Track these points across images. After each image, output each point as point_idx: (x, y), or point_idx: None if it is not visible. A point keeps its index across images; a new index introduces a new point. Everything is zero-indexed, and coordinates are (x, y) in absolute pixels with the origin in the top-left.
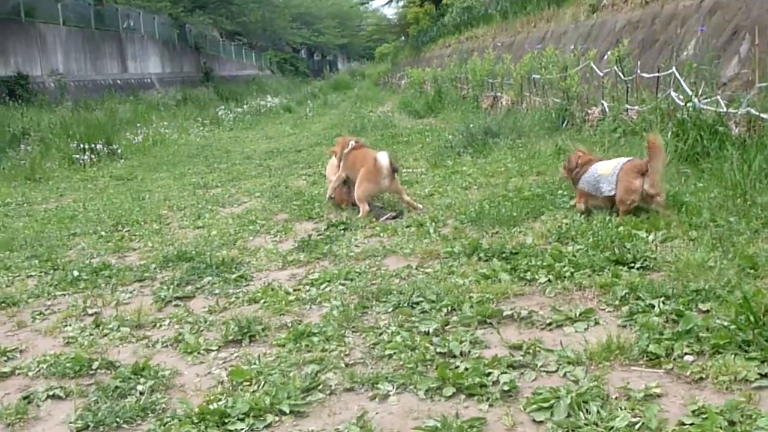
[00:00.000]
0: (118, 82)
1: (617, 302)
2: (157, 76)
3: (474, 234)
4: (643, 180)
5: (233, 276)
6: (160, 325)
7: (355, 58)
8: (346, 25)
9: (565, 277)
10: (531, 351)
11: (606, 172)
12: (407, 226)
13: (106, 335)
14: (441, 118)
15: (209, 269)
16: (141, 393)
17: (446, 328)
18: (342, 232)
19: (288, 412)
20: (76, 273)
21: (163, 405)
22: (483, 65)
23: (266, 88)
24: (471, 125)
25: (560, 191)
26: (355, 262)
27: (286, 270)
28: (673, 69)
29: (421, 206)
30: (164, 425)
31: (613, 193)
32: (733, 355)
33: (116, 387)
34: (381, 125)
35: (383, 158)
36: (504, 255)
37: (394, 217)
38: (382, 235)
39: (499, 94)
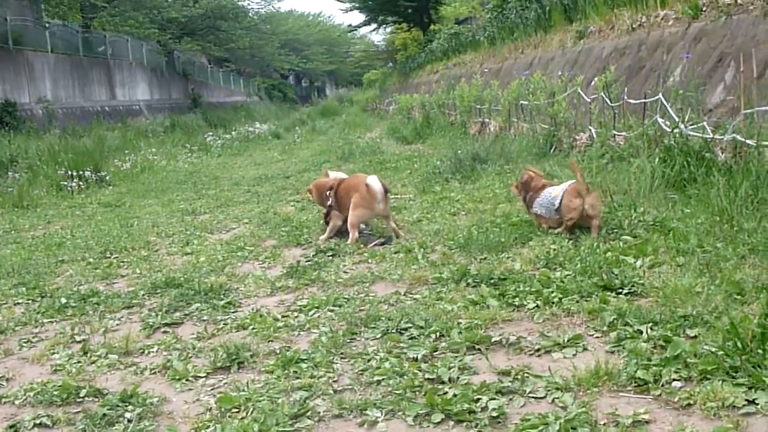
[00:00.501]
0: (107, 108)
1: (605, 328)
2: (146, 103)
3: (462, 260)
4: (582, 201)
5: (222, 302)
6: (149, 352)
7: (343, 84)
8: (334, 52)
9: (553, 303)
10: (520, 377)
11: (556, 193)
12: (395, 252)
13: (93, 362)
14: (429, 144)
15: (197, 296)
16: (129, 421)
17: (435, 354)
18: (330, 258)
19: None
20: (63, 300)
21: None
22: (471, 91)
23: (254, 115)
24: (459, 151)
25: None
26: (343, 288)
27: (274, 296)
28: (660, 95)
29: (402, 234)
30: None
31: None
32: (720, 381)
33: (104, 415)
34: (369, 151)
35: (375, 182)
36: (492, 281)
37: (382, 244)
38: (370, 261)
39: (486, 120)
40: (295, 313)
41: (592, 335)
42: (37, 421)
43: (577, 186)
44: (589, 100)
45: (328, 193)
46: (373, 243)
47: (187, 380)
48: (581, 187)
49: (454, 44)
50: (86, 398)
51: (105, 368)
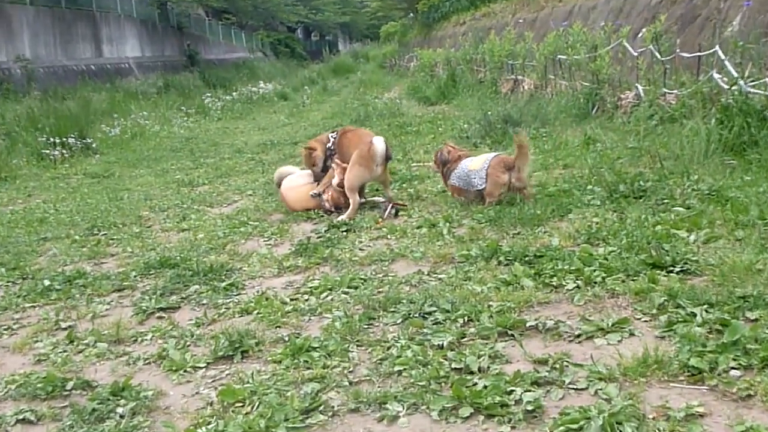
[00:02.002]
0: (92, 67)
1: (654, 311)
2: (136, 61)
3: (493, 235)
4: (509, 174)
5: (223, 284)
6: (142, 340)
7: (358, 39)
8: (348, 1)
9: (595, 283)
10: (558, 366)
11: (476, 167)
12: (418, 227)
13: (81, 352)
14: (455, 105)
15: (196, 277)
16: (121, 416)
17: (462, 341)
18: (344, 233)
19: None
20: (47, 282)
21: (146, 429)
22: (502, 45)
23: (258, 73)
24: (489, 113)
25: (590, 186)
26: (359, 267)
27: (282, 277)
28: (717, 48)
29: (399, 201)
30: None
31: (483, 186)
32: None
33: (93, 410)
34: (388, 113)
35: (379, 142)
36: (527, 258)
37: (397, 211)
38: (389, 236)
39: (520, 77)
40: (306, 296)
41: (640, 319)
42: (20, 417)
43: (504, 159)
44: (635, 54)
45: (330, 144)
46: (386, 212)
47: (185, 371)
48: (508, 159)
49: None
50: (73, 391)
51: (94, 358)
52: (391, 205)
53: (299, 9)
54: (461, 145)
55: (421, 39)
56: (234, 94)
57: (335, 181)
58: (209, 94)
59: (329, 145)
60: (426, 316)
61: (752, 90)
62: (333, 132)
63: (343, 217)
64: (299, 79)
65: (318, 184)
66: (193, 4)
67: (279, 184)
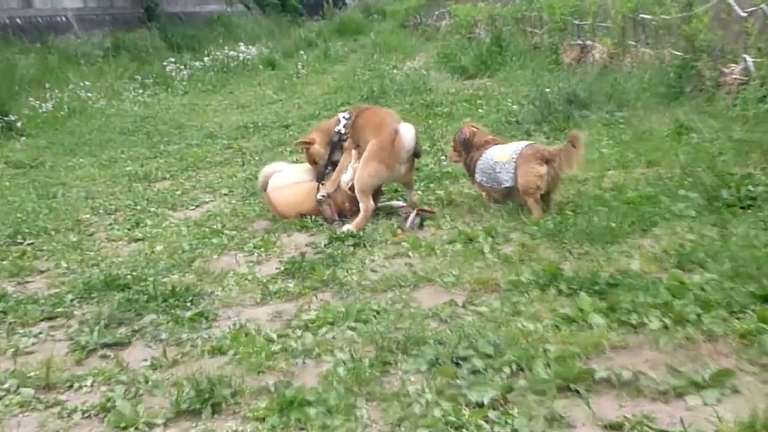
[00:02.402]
0: (18, 21)
1: (765, 360)
2: (76, 13)
3: (551, 255)
4: (547, 168)
5: (188, 313)
6: (80, 386)
7: None
8: None
9: (688, 322)
10: None
11: (503, 157)
12: (450, 242)
13: None
14: (501, 79)
15: (152, 303)
16: None
17: (509, 397)
18: (351, 249)
19: None
20: None
21: None
22: None
23: (238, 32)
24: (547, 90)
25: (682, 191)
26: (370, 294)
27: (267, 305)
28: None
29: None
30: None
31: (511, 184)
32: None
33: None
34: (410, 89)
35: (407, 132)
36: (596, 287)
37: (422, 220)
38: (411, 254)
39: (589, 42)
40: (298, 332)
41: (746, 370)
42: None
43: (540, 148)
44: (744, 15)
45: (340, 127)
46: (409, 221)
47: (136, 429)
48: (546, 149)
49: None
50: None
51: (16, 408)
52: (414, 211)
53: None
54: (506, 133)
55: None
56: (205, 59)
57: (346, 177)
58: (172, 59)
59: (339, 127)
60: (460, 362)
61: None
62: (345, 112)
63: (350, 226)
64: (292, 41)
65: (322, 185)
66: None
67: (265, 187)
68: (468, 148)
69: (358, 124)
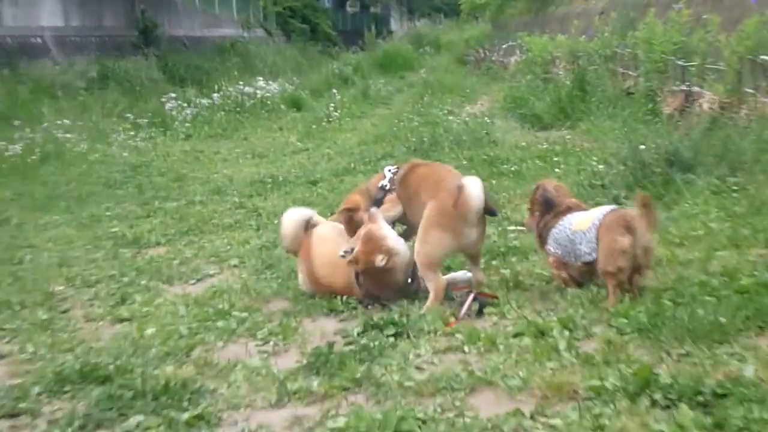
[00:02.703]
0: None
1: None
2: (55, 33)
3: (643, 355)
4: (633, 239)
5: (185, 416)
6: None
7: (424, 13)
8: None
9: None
10: None
11: (582, 225)
12: (515, 335)
13: None
14: (583, 131)
15: (140, 401)
16: None
17: None
18: (391, 339)
19: None
20: None
21: None
22: (667, 34)
23: (256, 63)
24: (642, 146)
25: None
26: (415, 398)
27: (283, 408)
28: None
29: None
30: None
31: (592, 258)
32: None
33: None
34: (470, 140)
35: (474, 185)
36: (700, 398)
37: (482, 306)
38: (467, 349)
39: (696, 88)
40: None
41: None
42: None
43: (625, 214)
44: None
45: (385, 181)
46: (465, 307)
47: None
48: (633, 217)
49: None
50: None
51: None
52: (472, 295)
53: None
54: (588, 199)
55: (530, 18)
56: (214, 96)
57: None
58: (173, 95)
59: (384, 182)
60: None
61: None
62: (392, 167)
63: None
64: (323, 75)
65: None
66: None
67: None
68: (549, 209)
69: (409, 181)
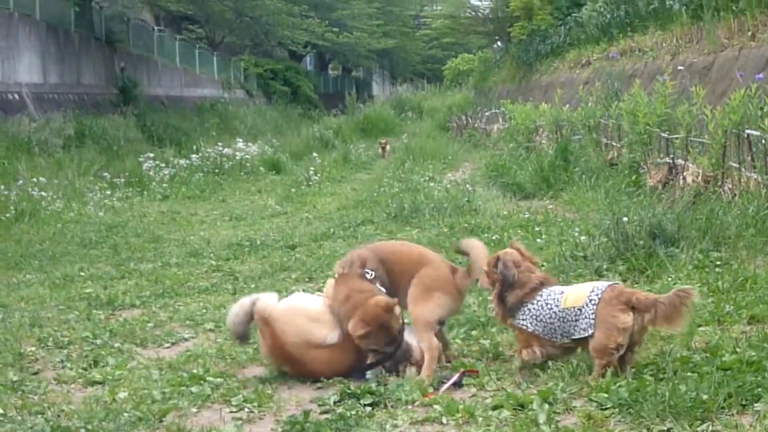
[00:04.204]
0: None
1: None
2: (33, 90)
3: (624, 431)
4: (633, 317)
5: None
6: None
7: (407, 77)
8: (393, 15)
9: None
10: None
11: (576, 301)
12: (495, 408)
13: None
14: (566, 201)
15: None
16: None
17: None
18: (368, 408)
19: None
20: None
21: None
22: (652, 105)
23: (236, 125)
24: (625, 218)
25: None
26: None
27: None
28: None
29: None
30: None
31: (588, 333)
32: None
33: None
34: (451, 208)
35: (478, 245)
36: None
37: (460, 380)
38: (445, 420)
39: (680, 161)
40: None
41: None
42: None
43: (623, 290)
44: None
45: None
46: (450, 380)
47: None
48: (631, 293)
49: (624, 14)
50: None
51: None
52: (459, 374)
53: (311, 23)
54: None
55: (514, 85)
56: (193, 157)
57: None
58: (151, 155)
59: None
60: None
61: None
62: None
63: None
64: (303, 138)
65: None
66: (136, 2)
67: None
68: (508, 282)
69: (391, 259)
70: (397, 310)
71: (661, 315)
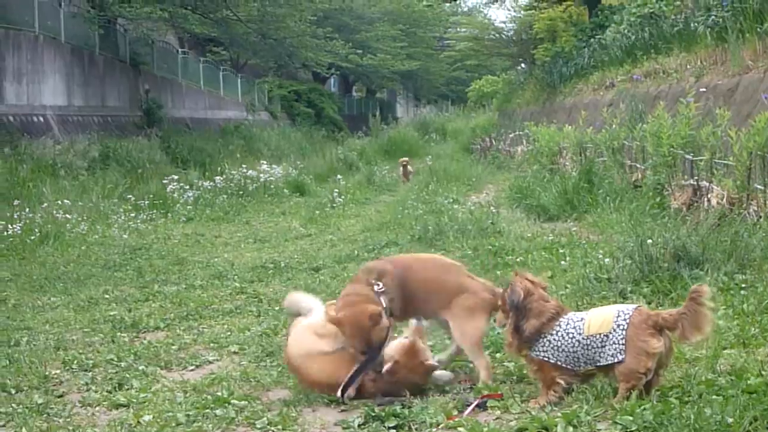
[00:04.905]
0: None
1: None
2: (57, 112)
3: None
4: (662, 341)
5: None
6: None
7: (431, 100)
8: (417, 37)
9: None
10: None
11: (602, 327)
12: (519, 430)
13: None
14: (590, 224)
15: None
16: None
17: None
18: (392, 431)
19: None
20: None
21: None
22: (676, 127)
23: (260, 147)
24: (649, 241)
25: None
26: None
27: None
28: None
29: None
30: None
31: (618, 360)
32: None
33: None
34: (475, 230)
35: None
36: None
37: (485, 401)
38: None
39: (704, 183)
40: None
41: None
42: None
43: (650, 314)
44: None
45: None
46: (473, 402)
47: None
48: (658, 315)
49: (648, 36)
50: None
51: None
52: (479, 398)
53: (336, 45)
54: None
55: (538, 107)
56: (217, 179)
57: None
58: (175, 177)
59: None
60: None
61: None
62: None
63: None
64: (327, 160)
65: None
66: (159, 25)
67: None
68: (519, 309)
69: (412, 275)
70: (385, 324)
71: (689, 326)
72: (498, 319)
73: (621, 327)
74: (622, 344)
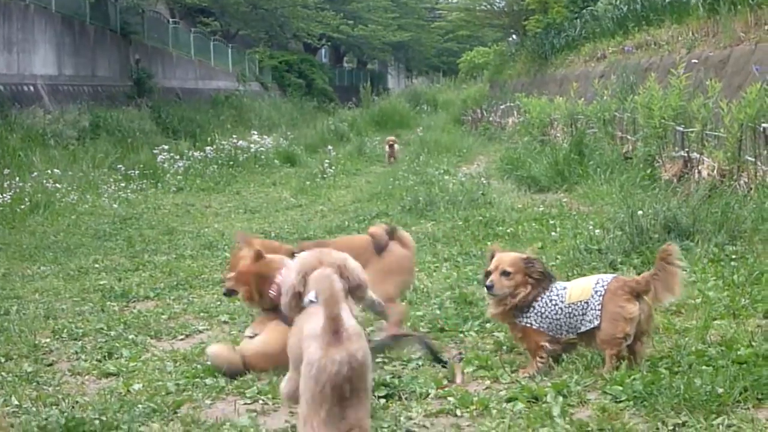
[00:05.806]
0: None
1: None
2: (48, 82)
3: (638, 424)
4: (639, 305)
5: None
6: None
7: (422, 71)
8: (409, 8)
9: None
10: None
11: (582, 295)
12: (509, 400)
13: None
14: (580, 195)
15: None
16: None
17: None
18: (382, 400)
19: None
20: None
21: None
22: (667, 99)
23: (250, 117)
24: (639, 212)
25: None
26: None
27: None
28: None
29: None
30: None
31: (594, 324)
32: None
33: None
34: (465, 201)
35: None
36: None
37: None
38: (458, 412)
39: (695, 155)
40: None
41: None
42: None
43: (627, 281)
44: None
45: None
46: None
47: None
48: (635, 282)
49: (639, 8)
50: None
51: None
52: (461, 358)
53: (326, 16)
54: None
55: (529, 79)
56: (207, 149)
57: None
58: (166, 147)
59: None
60: None
61: None
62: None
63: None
64: (319, 131)
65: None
66: None
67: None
68: (545, 284)
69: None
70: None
71: (660, 287)
72: (498, 285)
73: (598, 293)
74: (598, 310)
